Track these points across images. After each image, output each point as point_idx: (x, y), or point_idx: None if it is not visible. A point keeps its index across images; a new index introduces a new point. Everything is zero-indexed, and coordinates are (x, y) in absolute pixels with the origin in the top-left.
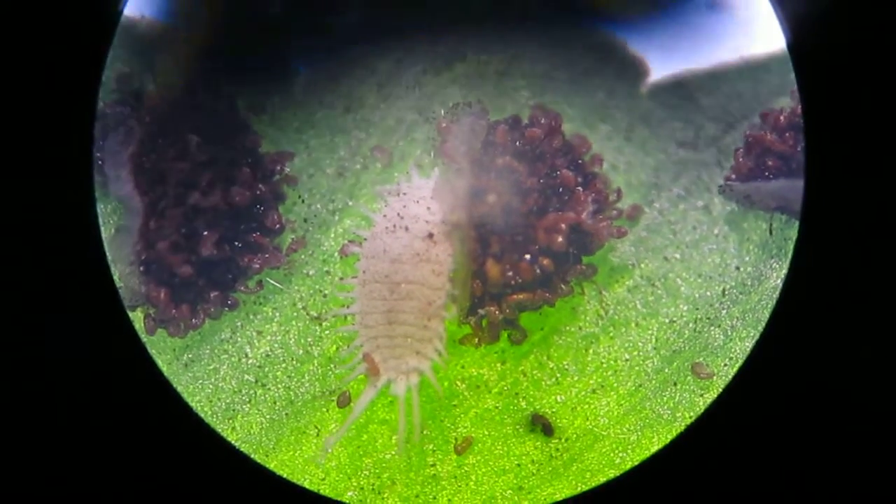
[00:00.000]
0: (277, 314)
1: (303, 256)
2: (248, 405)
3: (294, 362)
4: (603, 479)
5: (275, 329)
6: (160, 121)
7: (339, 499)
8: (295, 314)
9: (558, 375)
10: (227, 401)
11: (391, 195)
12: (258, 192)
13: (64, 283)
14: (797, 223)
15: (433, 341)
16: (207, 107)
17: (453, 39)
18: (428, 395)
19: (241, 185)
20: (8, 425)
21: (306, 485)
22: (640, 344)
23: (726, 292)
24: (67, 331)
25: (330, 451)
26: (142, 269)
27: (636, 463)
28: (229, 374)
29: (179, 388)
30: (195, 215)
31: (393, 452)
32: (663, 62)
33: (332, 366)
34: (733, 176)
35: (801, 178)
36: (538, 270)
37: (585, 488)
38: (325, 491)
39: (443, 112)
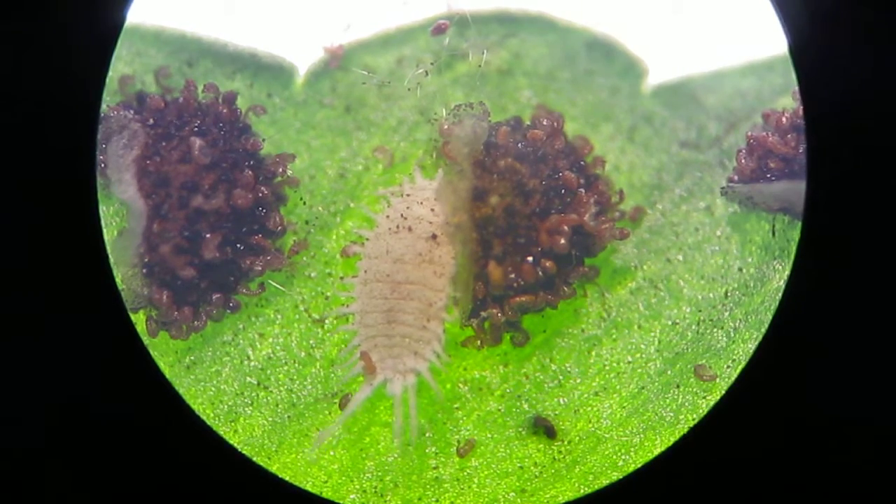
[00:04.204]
0: (279, 316)
1: (304, 258)
2: (251, 408)
3: (296, 365)
4: (606, 482)
5: (277, 331)
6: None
7: (341, 501)
8: (297, 316)
9: (561, 378)
10: (230, 403)
11: (394, 196)
12: (260, 195)
13: (66, 285)
14: (799, 224)
15: (432, 343)
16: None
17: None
18: (430, 398)
19: (243, 188)
20: (10, 426)
21: (309, 487)
22: (642, 346)
23: (729, 294)
24: (69, 333)
25: (320, 444)
26: (144, 271)
27: (639, 465)
28: (231, 377)
29: (181, 391)
30: (198, 218)
31: (395, 455)
32: (666, 62)
33: (334, 368)
34: (735, 177)
35: (803, 179)
36: (540, 272)
37: (588, 491)
38: (328, 494)
39: (444, 113)
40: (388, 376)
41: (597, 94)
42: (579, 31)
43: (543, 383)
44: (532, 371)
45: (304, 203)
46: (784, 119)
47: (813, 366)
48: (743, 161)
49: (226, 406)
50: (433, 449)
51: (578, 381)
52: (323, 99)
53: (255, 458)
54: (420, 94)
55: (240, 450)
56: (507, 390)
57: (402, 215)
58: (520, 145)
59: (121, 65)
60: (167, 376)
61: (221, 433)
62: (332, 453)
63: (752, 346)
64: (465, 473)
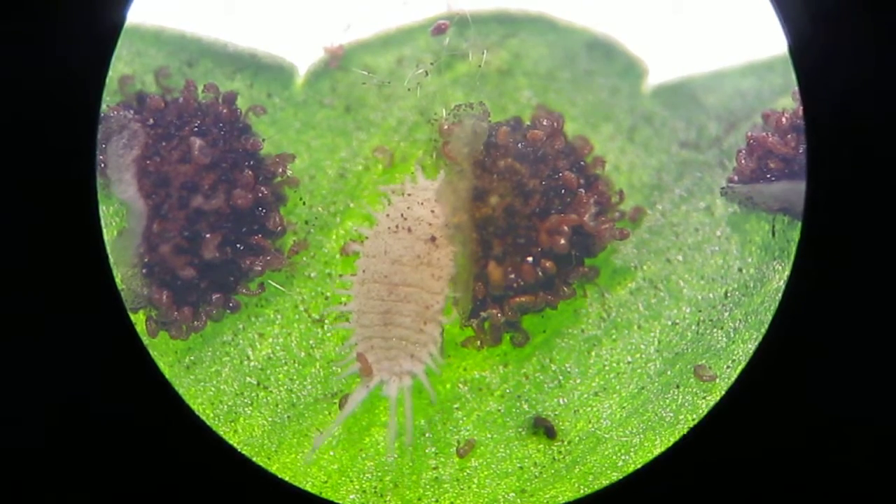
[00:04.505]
0: (279, 316)
1: (304, 258)
2: (251, 408)
3: (296, 365)
4: (605, 482)
5: (276, 331)
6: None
7: (341, 502)
8: (297, 316)
9: (560, 378)
10: (229, 403)
11: (395, 194)
12: (260, 195)
13: (66, 285)
14: (799, 225)
15: (428, 346)
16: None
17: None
18: (429, 399)
19: (243, 188)
20: (9, 427)
21: (308, 488)
22: (642, 346)
23: (728, 294)
24: (70, 333)
25: (318, 446)
26: (144, 271)
27: (638, 466)
28: (231, 377)
29: (181, 391)
30: (198, 218)
31: (395, 455)
32: (666, 62)
33: (333, 368)
34: (735, 177)
35: (803, 179)
36: (540, 273)
37: (588, 491)
38: (328, 494)
39: (444, 113)
40: (385, 378)
41: (597, 94)
42: (579, 31)
43: (543, 383)
44: (532, 371)
45: (304, 203)
46: (784, 119)
47: (813, 366)
48: (743, 161)
49: (225, 406)
50: (433, 449)
51: (578, 381)
52: (323, 99)
53: (254, 459)
54: (420, 94)
55: (239, 450)
56: (507, 390)
57: (402, 215)
58: (520, 145)
59: (121, 65)
60: (167, 376)
61: (221, 433)
62: (331, 453)
63: (752, 347)
64: (465, 474)
